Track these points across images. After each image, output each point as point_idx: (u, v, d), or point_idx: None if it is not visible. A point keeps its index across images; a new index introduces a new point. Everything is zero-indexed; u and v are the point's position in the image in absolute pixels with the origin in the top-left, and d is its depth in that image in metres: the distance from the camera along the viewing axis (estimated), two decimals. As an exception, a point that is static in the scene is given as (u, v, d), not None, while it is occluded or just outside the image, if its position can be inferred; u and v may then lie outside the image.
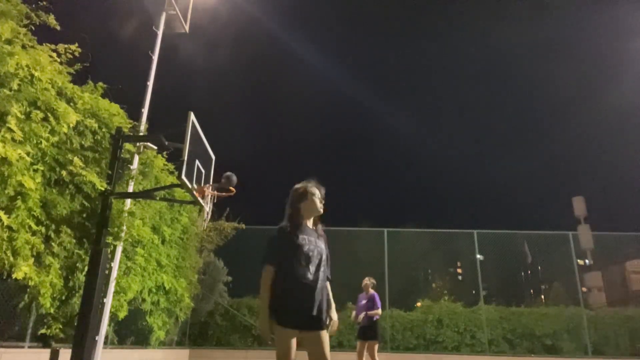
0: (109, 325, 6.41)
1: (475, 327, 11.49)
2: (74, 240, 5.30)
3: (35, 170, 4.67)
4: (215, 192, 6.21)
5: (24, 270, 4.50)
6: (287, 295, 2.65)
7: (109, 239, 5.52)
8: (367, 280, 7.50)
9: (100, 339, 5.72)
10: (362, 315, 7.19)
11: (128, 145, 6.05)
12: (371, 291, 7.40)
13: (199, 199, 5.86)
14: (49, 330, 5.30)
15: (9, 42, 4.52)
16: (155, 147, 6.24)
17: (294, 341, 2.59)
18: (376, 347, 7.14)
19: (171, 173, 7.71)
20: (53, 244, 4.99)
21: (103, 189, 5.32)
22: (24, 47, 4.75)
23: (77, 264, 5.40)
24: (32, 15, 4.88)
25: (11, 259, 4.39)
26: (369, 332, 7.17)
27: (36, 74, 4.73)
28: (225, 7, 9.22)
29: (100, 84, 6.01)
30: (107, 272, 5.60)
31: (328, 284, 2.85)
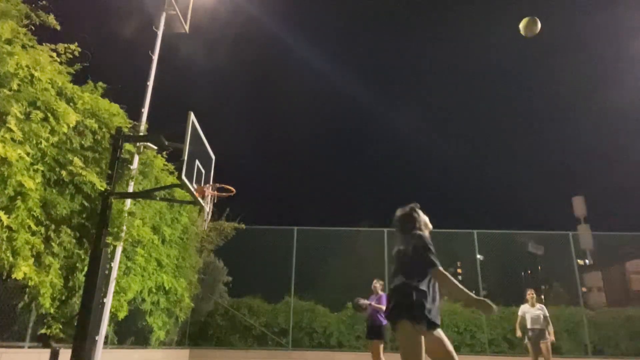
0: (109, 325, 6.40)
1: (475, 327, 11.49)
2: (74, 240, 5.30)
3: (35, 170, 4.67)
4: (215, 192, 6.22)
5: (23, 270, 4.49)
6: (435, 299, 2.94)
7: (109, 239, 5.51)
8: (376, 283, 7.65)
9: (100, 339, 5.72)
10: (367, 302, 7.35)
11: (128, 145, 6.05)
12: (380, 292, 7.53)
13: (199, 199, 5.86)
14: (49, 330, 5.29)
15: (9, 42, 4.52)
16: (155, 147, 6.24)
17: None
18: (381, 347, 7.22)
19: (171, 173, 7.72)
20: (53, 244, 4.98)
21: (103, 189, 5.32)
22: (24, 47, 4.75)
23: (77, 264, 5.40)
24: (32, 15, 4.88)
25: (11, 259, 4.39)
26: (372, 331, 7.28)
27: (36, 74, 4.73)
28: (225, 7, 9.22)
29: (100, 84, 6.02)
30: (107, 272, 5.60)
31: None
